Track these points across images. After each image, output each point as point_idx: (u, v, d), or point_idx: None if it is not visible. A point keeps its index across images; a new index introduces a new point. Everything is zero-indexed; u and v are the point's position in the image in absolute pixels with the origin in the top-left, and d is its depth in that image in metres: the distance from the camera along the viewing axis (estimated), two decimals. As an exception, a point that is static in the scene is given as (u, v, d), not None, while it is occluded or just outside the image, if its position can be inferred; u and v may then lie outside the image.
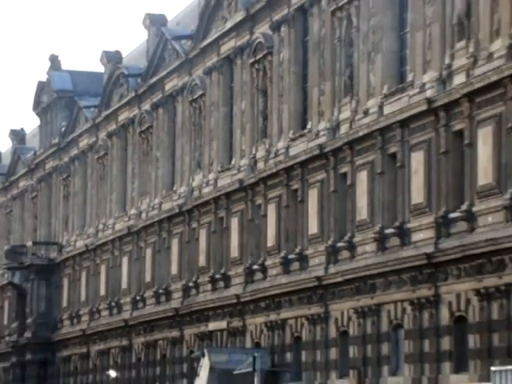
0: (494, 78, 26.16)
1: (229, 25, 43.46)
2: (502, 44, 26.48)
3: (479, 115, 27.21)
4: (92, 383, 57.85)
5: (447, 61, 29.22)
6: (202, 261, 44.39)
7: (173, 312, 46.58)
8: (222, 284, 42.71)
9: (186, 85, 47.93)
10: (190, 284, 45.65)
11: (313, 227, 36.16)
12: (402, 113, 30.22)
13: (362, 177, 32.73)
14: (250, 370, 34.78)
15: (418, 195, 29.83)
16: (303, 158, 36.54)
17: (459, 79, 28.05)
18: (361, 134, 32.36)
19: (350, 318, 32.94)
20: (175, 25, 54.11)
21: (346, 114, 34.26)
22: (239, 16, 42.59)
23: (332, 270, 33.97)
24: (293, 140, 38.43)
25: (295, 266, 36.87)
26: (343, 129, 34.14)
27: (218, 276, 42.66)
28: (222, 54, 44.66)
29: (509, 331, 25.58)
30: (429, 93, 29.23)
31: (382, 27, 32.78)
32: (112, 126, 55.65)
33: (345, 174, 33.98)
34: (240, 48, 42.94)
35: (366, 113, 32.87)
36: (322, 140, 35.31)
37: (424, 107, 28.88)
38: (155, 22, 54.03)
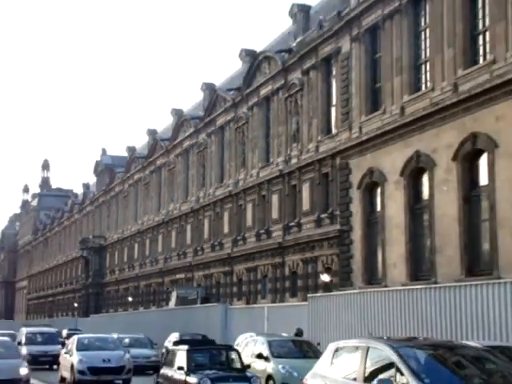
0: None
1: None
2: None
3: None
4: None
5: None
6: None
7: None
8: (265, 235, 50.01)
9: (235, 117, 56.64)
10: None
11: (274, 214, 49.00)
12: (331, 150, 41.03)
13: (306, 186, 45.12)
14: (195, 297, 54.44)
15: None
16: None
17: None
18: (304, 163, 44.87)
19: (298, 264, 45.29)
20: (226, 84, 62.51)
21: (294, 152, 46.75)
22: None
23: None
24: (260, 168, 51.32)
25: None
26: (295, 160, 46.47)
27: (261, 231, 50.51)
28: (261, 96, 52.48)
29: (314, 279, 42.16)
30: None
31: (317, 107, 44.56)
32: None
33: (295, 186, 46.42)
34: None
35: (307, 151, 45.06)
36: (280, 167, 48.03)
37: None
38: (208, 86, 64.16)
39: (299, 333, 28.31)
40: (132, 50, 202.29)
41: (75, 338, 29.00)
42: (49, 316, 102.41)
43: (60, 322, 75.73)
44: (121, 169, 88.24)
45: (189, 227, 65.27)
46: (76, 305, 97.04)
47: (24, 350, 33.44)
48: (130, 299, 78.96)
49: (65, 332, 52.15)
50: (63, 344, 37.39)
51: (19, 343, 35.37)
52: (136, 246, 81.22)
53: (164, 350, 33.31)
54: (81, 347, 26.97)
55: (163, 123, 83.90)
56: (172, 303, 55.03)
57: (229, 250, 55.83)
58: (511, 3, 28.13)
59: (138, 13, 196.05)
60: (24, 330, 39.09)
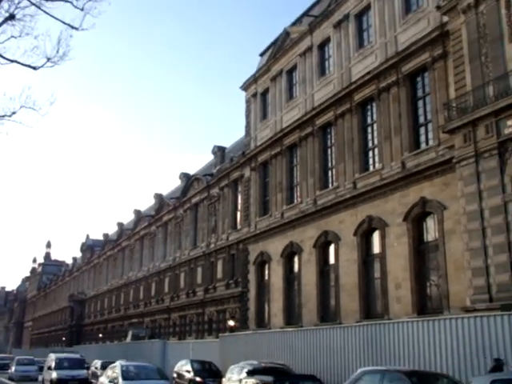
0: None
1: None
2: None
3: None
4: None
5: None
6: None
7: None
8: (192, 294, 49.81)
9: (174, 216, 55.22)
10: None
11: (198, 280, 54.11)
12: (237, 239, 43.24)
13: (220, 262, 49.22)
14: (144, 335, 51.54)
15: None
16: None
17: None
18: (219, 247, 46.24)
19: (213, 314, 52.30)
20: (171, 193, 60.84)
21: (213, 239, 46.56)
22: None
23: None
24: (191, 249, 50.49)
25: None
26: (213, 245, 48.51)
27: (190, 291, 58.97)
28: (192, 203, 51.26)
29: (224, 323, 42.29)
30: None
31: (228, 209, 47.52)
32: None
33: (212, 262, 49.26)
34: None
35: (221, 239, 45.02)
36: (204, 249, 47.91)
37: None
38: (157, 196, 63.19)
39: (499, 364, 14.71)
40: (122, 148, 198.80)
41: (118, 365, 20.70)
42: (45, 346, 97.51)
43: (52, 350, 71.30)
44: (98, 248, 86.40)
45: (167, 280, 62.44)
46: (64, 338, 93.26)
47: (54, 375, 28.37)
48: (101, 335, 76.42)
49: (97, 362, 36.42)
50: (88, 368, 32.10)
51: (49, 368, 29.74)
52: (106, 299, 79.02)
53: (175, 375, 27.32)
54: (126, 376, 19.52)
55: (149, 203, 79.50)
56: (128, 339, 53.44)
57: (168, 302, 54.78)
58: (347, 152, 29.97)
59: (122, 125, 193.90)
60: (53, 356, 31.27)
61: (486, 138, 20.08)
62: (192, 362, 26.20)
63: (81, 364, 31.04)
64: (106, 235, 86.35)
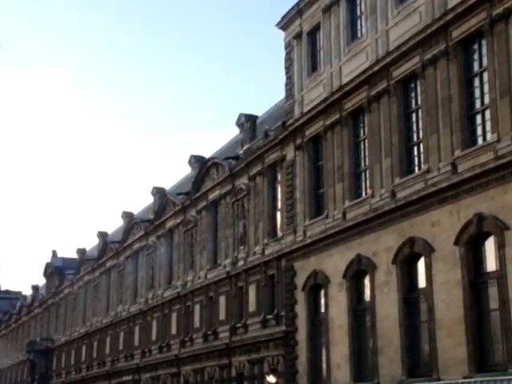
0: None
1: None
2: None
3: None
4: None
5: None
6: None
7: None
8: (212, 337, 49.37)
9: (184, 220, 56.32)
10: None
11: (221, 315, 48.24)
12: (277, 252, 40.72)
13: (252, 288, 44.57)
14: None
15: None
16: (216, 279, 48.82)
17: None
18: (250, 265, 44.53)
19: (244, 365, 44.54)
20: (176, 188, 62.57)
21: (241, 254, 46.32)
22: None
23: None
24: (208, 270, 50.81)
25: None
26: (242, 262, 45.97)
27: (209, 332, 49.82)
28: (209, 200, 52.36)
29: (260, 380, 41.98)
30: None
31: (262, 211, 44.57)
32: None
33: (241, 287, 45.72)
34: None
35: (254, 253, 44.63)
36: (228, 269, 47.48)
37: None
38: (159, 190, 64.24)
39: None
40: (84, 156, 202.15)
41: None
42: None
43: None
44: (71, 271, 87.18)
45: (137, 329, 64.55)
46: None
47: None
48: None
49: None
50: None
51: None
52: (84, 348, 79.88)
53: None
54: None
55: (114, 226, 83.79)
56: None
57: (176, 351, 55.01)
58: (442, 119, 29.35)
59: (88, 124, 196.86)
60: None
61: None
62: None
63: None
64: (81, 251, 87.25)
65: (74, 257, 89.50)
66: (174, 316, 56.76)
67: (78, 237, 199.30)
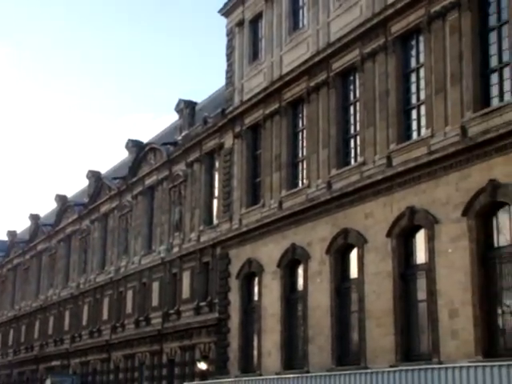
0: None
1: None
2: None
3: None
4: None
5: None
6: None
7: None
8: (144, 323, 49.48)
9: (119, 205, 56.50)
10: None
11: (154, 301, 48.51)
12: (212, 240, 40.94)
13: (186, 274, 44.66)
14: None
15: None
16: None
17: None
18: (185, 252, 44.61)
19: (176, 352, 44.71)
20: (112, 172, 62.48)
21: (177, 241, 46.49)
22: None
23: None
24: (143, 255, 50.88)
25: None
26: (176, 248, 46.13)
27: (141, 318, 49.84)
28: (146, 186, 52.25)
29: (192, 366, 42.03)
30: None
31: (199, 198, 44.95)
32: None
33: (175, 274, 45.84)
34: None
35: (189, 240, 44.91)
36: (162, 255, 47.63)
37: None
38: (94, 174, 64.45)
39: None
40: (16, 134, 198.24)
41: None
42: None
43: None
44: (0, 253, 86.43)
45: (67, 313, 64.40)
46: None
47: None
48: None
49: None
50: None
51: None
52: (11, 332, 79.27)
53: None
54: None
55: (46, 209, 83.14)
56: None
57: (107, 336, 54.98)
58: (379, 112, 29.83)
59: (23, 97, 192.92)
60: None
61: None
62: None
63: None
64: (12, 234, 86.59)
65: (3, 239, 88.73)
66: (105, 301, 56.80)
67: (8, 219, 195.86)
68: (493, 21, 26.00)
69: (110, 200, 58.59)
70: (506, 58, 25.17)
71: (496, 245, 24.76)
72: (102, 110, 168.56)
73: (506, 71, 25.09)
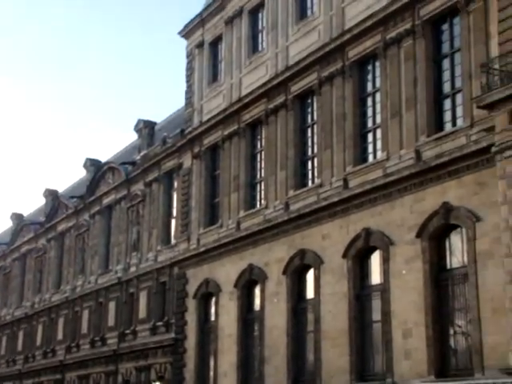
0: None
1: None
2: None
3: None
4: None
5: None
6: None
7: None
8: (100, 343, 49.06)
9: (76, 224, 56.13)
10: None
11: (110, 321, 48.12)
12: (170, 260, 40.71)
13: (143, 294, 44.43)
14: None
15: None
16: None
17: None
18: (142, 272, 44.34)
19: (131, 372, 44.21)
20: (69, 191, 62.54)
21: (134, 260, 46.14)
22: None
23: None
24: (99, 275, 50.53)
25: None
26: (134, 268, 45.85)
27: (96, 338, 49.50)
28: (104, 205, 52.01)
29: None
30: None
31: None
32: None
33: (132, 293, 45.50)
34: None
35: (146, 260, 44.66)
36: (119, 274, 47.38)
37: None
38: (51, 193, 63.89)
39: None
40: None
41: None
42: None
43: None
44: None
45: (21, 333, 63.72)
46: None
47: None
48: None
49: None
50: None
51: None
52: None
53: None
54: None
55: (1, 227, 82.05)
56: None
57: (61, 357, 54.46)
58: (336, 135, 30.22)
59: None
60: None
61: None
62: None
63: None
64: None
65: None
66: (60, 321, 56.35)
67: None
68: (446, 48, 26.71)
69: (67, 219, 58.18)
70: (458, 84, 25.85)
71: (448, 266, 25.15)
72: (61, 127, 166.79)
73: (459, 97, 25.70)
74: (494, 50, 23.35)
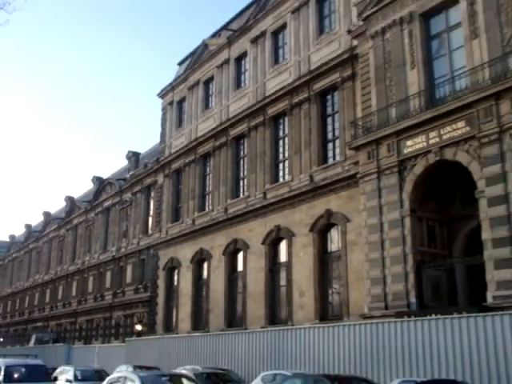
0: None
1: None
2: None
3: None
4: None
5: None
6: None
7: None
8: (100, 298, 48.27)
9: (86, 219, 55.17)
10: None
11: (107, 284, 50.12)
12: (147, 244, 43.13)
13: (129, 267, 47.14)
14: (48, 338, 49.55)
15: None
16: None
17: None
18: (129, 252, 46.68)
19: (121, 318, 51.12)
20: (82, 197, 59.92)
21: (123, 244, 46.07)
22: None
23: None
24: (100, 253, 49.61)
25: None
26: (123, 249, 46.98)
27: (98, 295, 49.49)
28: (104, 207, 50.68)
29: (131, 328, 43.48)
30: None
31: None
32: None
33: (122, 266, 50.37)
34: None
35: (132, 244, 46.04)
36: (114, 253, 47.35)
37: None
38: (70, 198, 61.12)
39: None
40: (30, 145, 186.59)
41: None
42: None
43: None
44: (3, 250, 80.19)
45: (61, 288, 62.29)
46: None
47: None
48: (1, 339, 70.13)
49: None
50: (55, 379, 21.24)
51: None
52: (9, 302, 74.91)
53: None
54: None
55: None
56: (31, 343, 50.99)
57: (75, 306, 53.16)
58: (259, 164, 30.14)
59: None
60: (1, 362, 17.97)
61: (387, 157, 21.03)
62: (77, 370, 21.83)
63: (42, 374, 17.70)
64: (12, 237, 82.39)
65: (5, 240, 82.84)
66: (74, 284, 55.18)
67: (9, 225, 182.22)
68: (329, 110, 27.14)
69: (79, 216, 57.00)
70: (337, 134, 26.38)
71: (329, 250, 25.47)
72: (77, 150, 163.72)
73: (337, 142, 26.18)
74: (359, 113, 24.02)
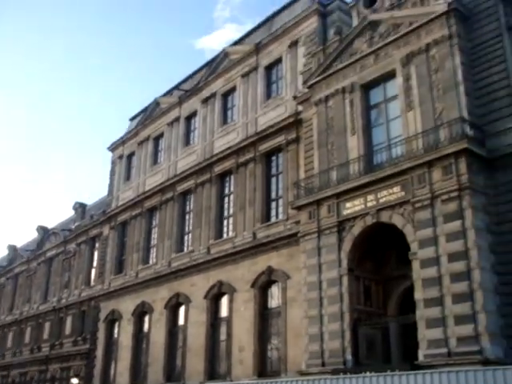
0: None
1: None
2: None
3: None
4: None
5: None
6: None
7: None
8: (37, 350, 46.01)
9: (27, 269, 52.62)
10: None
11: (45, 335, 46.06)
12: (89, 296, 41.46)
13: (69, 318, 44.65)
14: None
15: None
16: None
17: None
18: (70, 303, 43.34)
19: (57, 371, 44.92)
20: (25, 246, 58.15)
21: (65, 295, 44.39)
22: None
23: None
24: (40, 304, 47.33)
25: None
26: (64, 300, 44.83)
27: (34, 347, 47.74)
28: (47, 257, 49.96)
29: (67, 382, 42.20)
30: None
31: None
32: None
33: (62, 317, 44.12)
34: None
35: (73, 295, 43.78)
36: (54, 304, 45.38)
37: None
38: (12, 247, 58.83)
39: None
40: None
41: None
42: None
43: None
44: None
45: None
46: None
47: None
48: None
49: None
50: None
51: None
52: None
53: None
54: None
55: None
56: None
57: (9, 358, 50.53)
58: (204, 219, 30.08)
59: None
60: None
61: (327, 217, 21.35)
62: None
63: None
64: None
65: None
66: (10, 335, 52.55)
67: None
68: (274, 171, 27.47)
69: (21, 265, 54.90)
70: (280, 193, 26.64)
71: (270, 306, 25.31)
72: (22, 198, 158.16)
73: (280, 201, 26.41)
74: (301, 174, 24.44)
